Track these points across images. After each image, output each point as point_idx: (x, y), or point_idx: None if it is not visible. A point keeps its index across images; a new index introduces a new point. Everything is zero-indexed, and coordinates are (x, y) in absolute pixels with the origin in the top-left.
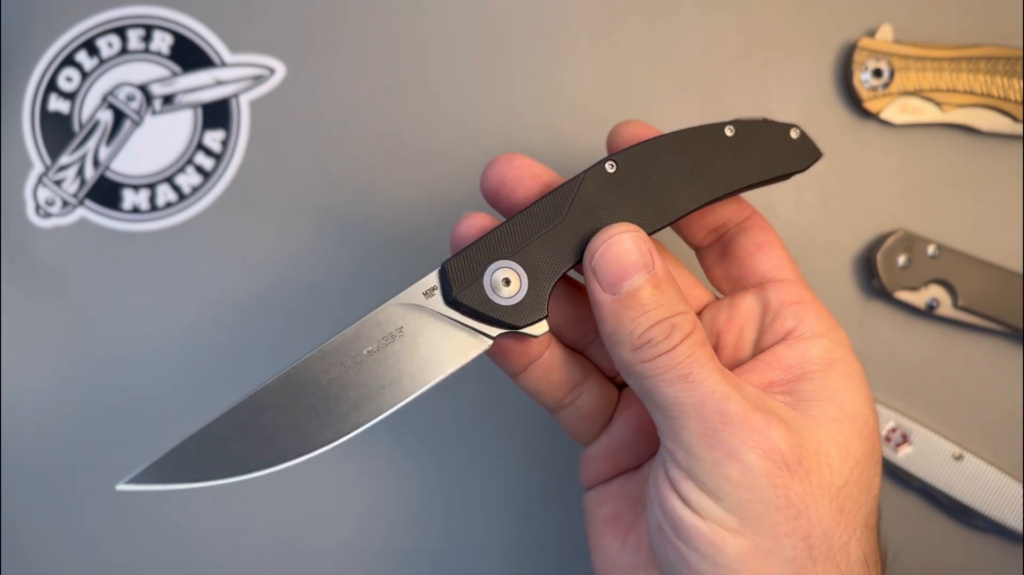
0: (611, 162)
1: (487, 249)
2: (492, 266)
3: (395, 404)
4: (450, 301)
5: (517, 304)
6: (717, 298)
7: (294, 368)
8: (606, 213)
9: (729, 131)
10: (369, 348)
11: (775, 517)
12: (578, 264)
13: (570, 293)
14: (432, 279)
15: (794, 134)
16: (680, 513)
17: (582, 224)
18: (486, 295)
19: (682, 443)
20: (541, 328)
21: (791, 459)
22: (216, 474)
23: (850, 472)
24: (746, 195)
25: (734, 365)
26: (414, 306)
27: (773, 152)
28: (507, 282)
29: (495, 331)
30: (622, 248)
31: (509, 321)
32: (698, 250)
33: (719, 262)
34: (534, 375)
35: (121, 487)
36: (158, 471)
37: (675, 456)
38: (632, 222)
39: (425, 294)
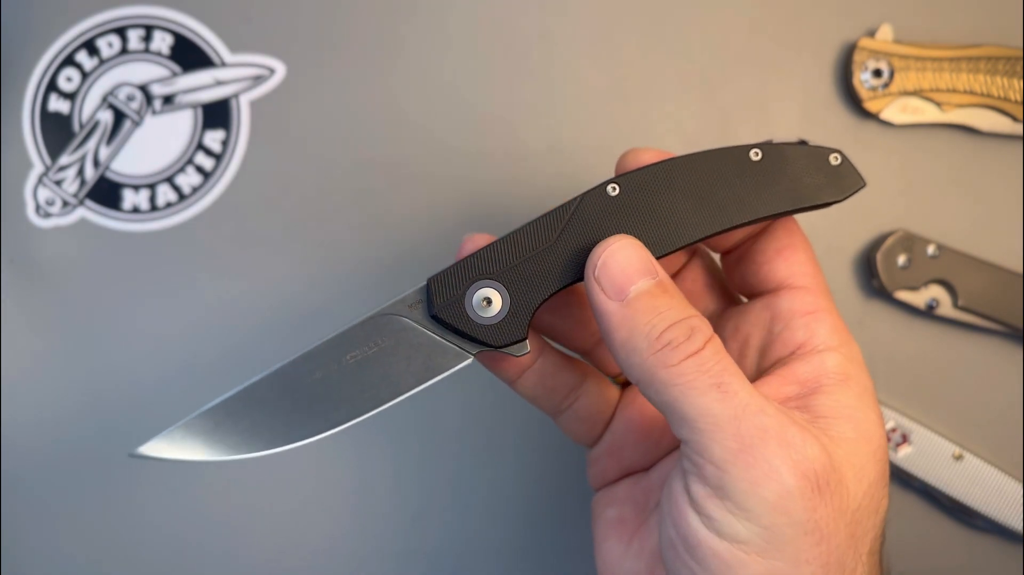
0: (614, 184)
1: (472, 268)
2: (475, 285)
3: (372, 410)
4: (432, 316)
5: (497, 324)
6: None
7: (282, 367)
8: (603, 239)
9: (755, 155)
10: (353, 354)
11: (802, 542)
12: (567, 287)
13: (573, 296)
14: (418, 292)
15: (834, 160)
16: (696, 533)
17: (575, 248)
18: (466, 313)
19: (713, 458)
20: (521, 349)
21: (820, 481)
22: (211, 453)
23: (863, 496)
24: None
25: None
26: (398, 317)
27: (806, 180)
28: (488, 302)
29: (475, 348)
30: (624, 255)
31: (488, 340)
32: (722, 254)
33: (737, 267)
34: (528, 382)
35: (133, 454)
36: (164, 444)
37: (703, 472)
38: None
39: (410, 307)
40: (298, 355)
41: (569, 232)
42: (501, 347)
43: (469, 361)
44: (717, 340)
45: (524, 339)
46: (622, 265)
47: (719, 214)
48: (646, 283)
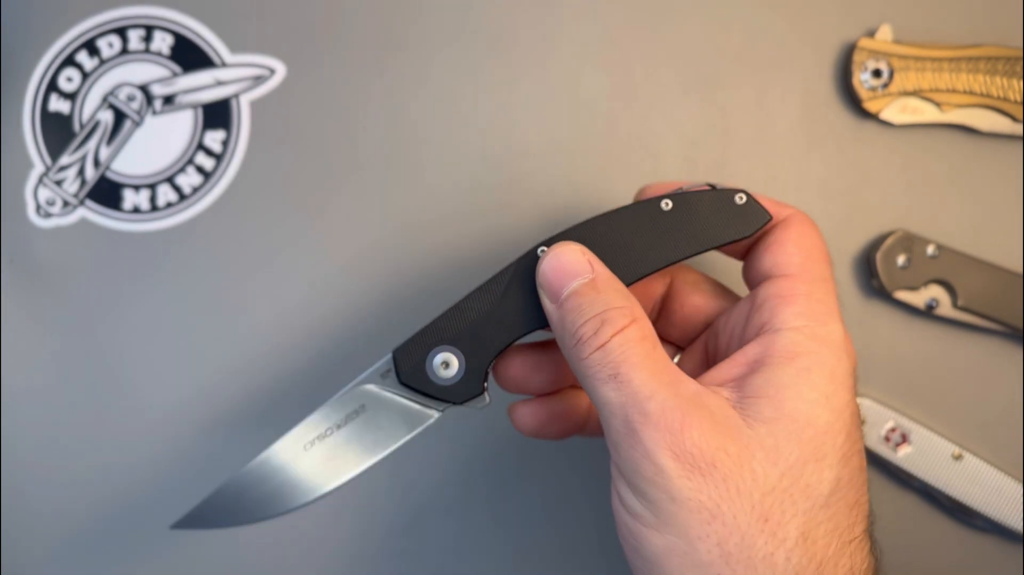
0: (542, 247)
1: (430, 336)
2: (433, 351)
3: (359, 468)
4: (401, 382)
5: (455, 384)
6: None
7: (279, 444)
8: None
9: (666, 205)
10: (338, 423)
11: (688, 519)
12: (516, 340)
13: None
14: (387, 363)
15: (739, 200)
16: (616, 509)
17: (515, 308)
18: (428, 377)
19: (611, 441)
20: (480, 402)
21: (703, 462)
22: (237, 521)
23: (779, 478)
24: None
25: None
26: (373, 386)
27: (714, 222)
28: (446, 365)
29: (441, 406)
30: (559, 261)
31: (449, 399)
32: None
33: (746, 267)
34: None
35: (172, 526)
36: (196, 518)
37: (611, 454)
38: None
39: (382, 376)
40: (289, 433)
41: (508, 295)
42: (462, 403)
43: (436, 418)
44: (633, 330)
45: (482, 393)
46: (556, 271)
47: (638, 263)
48: (576, 283)
